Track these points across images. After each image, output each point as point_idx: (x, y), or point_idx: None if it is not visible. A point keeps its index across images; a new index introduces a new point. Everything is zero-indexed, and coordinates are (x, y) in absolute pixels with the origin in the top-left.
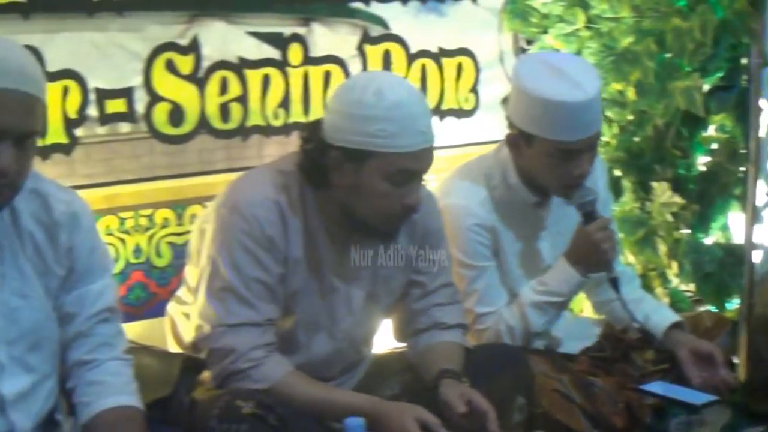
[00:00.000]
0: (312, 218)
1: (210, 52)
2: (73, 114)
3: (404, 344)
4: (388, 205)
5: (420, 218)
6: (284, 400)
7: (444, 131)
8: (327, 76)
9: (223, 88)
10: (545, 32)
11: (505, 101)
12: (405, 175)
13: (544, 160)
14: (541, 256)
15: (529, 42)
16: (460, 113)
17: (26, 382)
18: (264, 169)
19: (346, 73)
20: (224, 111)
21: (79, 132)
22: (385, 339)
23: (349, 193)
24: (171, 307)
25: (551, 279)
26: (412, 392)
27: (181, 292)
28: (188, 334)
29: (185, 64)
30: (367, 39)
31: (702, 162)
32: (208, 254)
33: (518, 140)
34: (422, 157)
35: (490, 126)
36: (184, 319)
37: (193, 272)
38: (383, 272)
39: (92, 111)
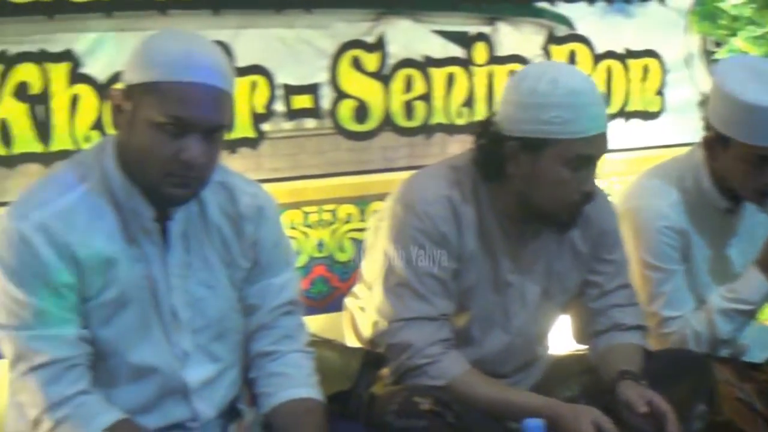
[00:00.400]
0: (486, 213)
1: (396, 50)
2: (260, 109)
3: (584, 346)
4: (565, 193)
5: (595, 218)
6: (461, 397)
7: (629, 133)
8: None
9: (408, 86)
10: (734, 35)
11: (702, 103)
12: (581, 160)
13: (740, 164)
14: (731, 263)
15: (718, 44)
16: (645, 115)
17: (210, 370)
18: (437, 165)
19: None
20: (408, 109)
21: (266, 127)
22: (564, 340)
23: (527, 183)
24: (348, 301)
25: (741, 287)
26: (590, 394)
27: (358, 287)
28: (365, 329)
29: (371, 61)
30: (552, 39)
31: None
32: (384, 250)
33: (714, 143)
34: (597, 142)
35: (676, 129)
36: (361, 314)
37: (368, 267)
38: (557, 269)
39: (279, 106)
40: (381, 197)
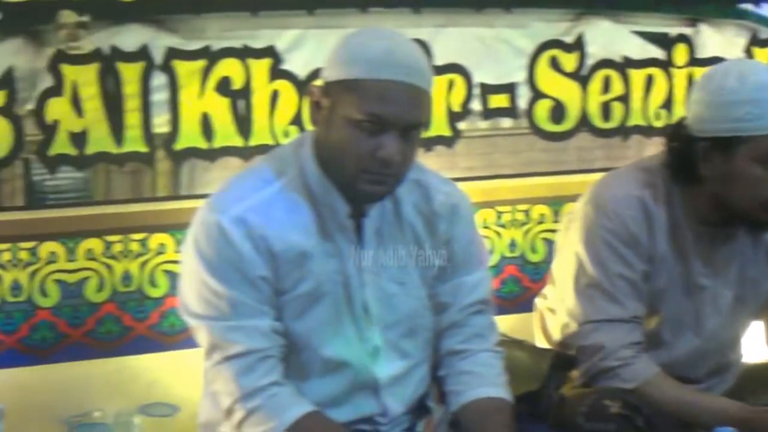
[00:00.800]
0: (678, 216)
1: (594, 51)
2: (457, 107)
3: None
4: (762, 191)
5: None
6: (651, 401)
7: None
8: None
9: (606, 86)
10: None
11: None
12: None
13: None
14: None
15: None
16: None
17: (400, 366)
18: (629, 167)
19: None
20: (606, 110)
21: (461, 125)
22: (758, 348)
23: (721, 184)
24: (538, 302)
25: None
26: None
27: (548, 288)
28: (555, 330)
29: (569, 61)
30: (755, 41)
31: None
32: (575, 252)
33: None
34: None
35: None
36: (550, 315)
37: (558, 268)
38: (751, 275)
39: (475, 105)
40: (575, 198)
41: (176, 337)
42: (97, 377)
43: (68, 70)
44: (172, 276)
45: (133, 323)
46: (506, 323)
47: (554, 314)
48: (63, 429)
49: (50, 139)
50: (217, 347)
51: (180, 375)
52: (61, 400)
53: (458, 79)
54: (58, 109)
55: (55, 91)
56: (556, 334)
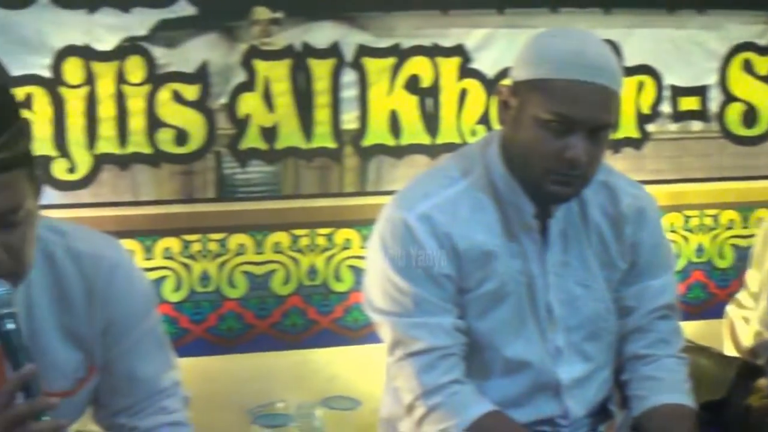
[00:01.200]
0: None
1: None
2: (646, 109)
3: None
4: None
5: None
6: None
7: None
8: None
9: None
10: None
11: None
12: None
13: None
14: None
15: None
16: None
17: (582, 369)
18: None
19: None
20: None
21: (650, 128)
22: None
23: None
24: (730, 309)
25: None
26: None
27: (741, 296)
28: (747, 339)
29: (763, 64)
30: None
31: None
32: None
33: None
34: None
35: None
36: (742, 323)
37: (755, 276)
38: None
39: (665, 107)
40: (766, 204)
41: (359, 332)
42: (280, 368)
43: (261, 66)
44: (357, 271)
45: (317, 317)
46: (691, 329)
47: (747, 323)
48: (247, 418)
49: (242, 133)
50: (399, 343)
51: (362, 370)
52: (245, 389)
53: (648, 81)
54: (250, 103)
55: (248, 86)
56: (747, 342)
